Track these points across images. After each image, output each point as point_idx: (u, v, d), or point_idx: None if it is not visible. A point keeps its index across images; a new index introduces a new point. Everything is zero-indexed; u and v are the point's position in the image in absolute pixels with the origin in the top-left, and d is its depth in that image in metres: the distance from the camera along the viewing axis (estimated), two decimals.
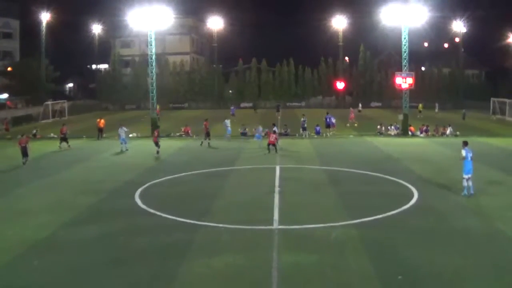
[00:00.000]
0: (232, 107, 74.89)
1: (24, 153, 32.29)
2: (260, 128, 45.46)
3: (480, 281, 13.50)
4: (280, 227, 18.47)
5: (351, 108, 67.72)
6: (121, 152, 37.86)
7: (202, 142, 41.55)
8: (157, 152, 35.54)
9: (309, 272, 14.35)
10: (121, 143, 38.90)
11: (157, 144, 36.14)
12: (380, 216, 19.53)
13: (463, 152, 22.47)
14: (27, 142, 32.85)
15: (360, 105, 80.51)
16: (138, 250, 16.17)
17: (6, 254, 15.84)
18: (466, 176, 22.41)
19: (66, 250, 16.32)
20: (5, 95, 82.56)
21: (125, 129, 39.57)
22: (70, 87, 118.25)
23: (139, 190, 24.51)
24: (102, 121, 49.06)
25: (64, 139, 40.75)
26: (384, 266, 14.55)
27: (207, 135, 41.37)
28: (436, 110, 75.71)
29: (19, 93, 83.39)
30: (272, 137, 35.95)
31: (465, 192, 22.40)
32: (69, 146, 40.24)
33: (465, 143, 22.90)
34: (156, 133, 37.76)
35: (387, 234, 17.56)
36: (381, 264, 14.74)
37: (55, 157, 37.01)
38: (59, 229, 18.47)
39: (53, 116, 70.45)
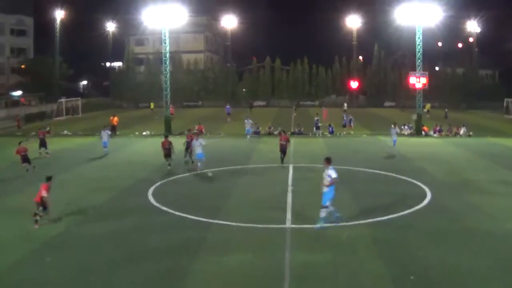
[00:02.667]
0: (227, 106, 73.15)
1: (25, 159, 29.24)
2: (250, 121, 45.80)
3: (493, 283, 13.41)
4: (292, 226, 18.49)
5: (323, 108, 66.68)
6: (104, 156, 35.60)
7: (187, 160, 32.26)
8: (169, 164, 30.12)
9: (321, 271, 14.36)
10: (104, 147, 36.38)
11: (169, 155, 30.48)
12: (393, 216, 19.49)
13: (333, 173, 17.68)
14: (25, 150, 29.56)
15: (345, 104, 79.66)
16: (151, 247, 16.24)
17: (19, 250, 16.00)
18: (328, 203, 17.72)
19: (78, 247, 16.45)
20: (19, 92, 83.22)
21: (108, 132, 37.90)
22: (83, 85, 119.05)
23: (152, 187, 24.65)
24: (116, 118, 49.37)
25: (43, 144, 35.68)
26: (396, 266, 14.52)
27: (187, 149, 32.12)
28: (446, 115, 72.68)
29: (32, 90, 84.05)
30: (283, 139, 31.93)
31: (322, 224, 17.87)
32: (47, 153, 35.64)
33: (329, 161, 18.15)
34: (166, 144, 30.77)
35: (400, 234, 17.51)
36: (393, 264, 14.72)
37: (68, 154, 37.26)
38: (72, 226, 18.64)
39: (67, 114, 70.86)
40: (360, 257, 15.39)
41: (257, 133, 49.32)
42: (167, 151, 29.94)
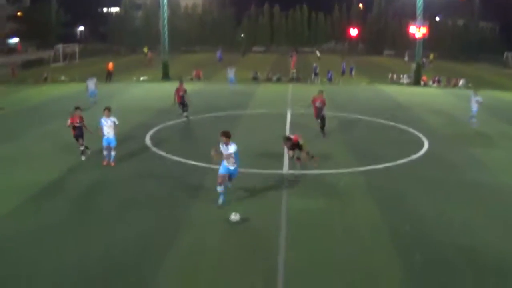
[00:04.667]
0: (218, 51, 71.98)
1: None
2: (232, 70, 45.62)
3: (488, 233, 13.46)
4: (289, 172, 18.61)
5: (293, 53, 62.42)
6: (93, 105, 32.82)
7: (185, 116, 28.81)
8: (185, 116, 28.18)
9: (317, 218, 14.48)
10: (90, 97, 34.64)
11: (183, 104, 28.22)
12: (390, 164, 19.58)
13: (233, 147, 14.79)
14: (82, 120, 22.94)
15: (317, 51, 78.09)
16: (148, 193, 16.31)
17: (17, 196, 15.98)
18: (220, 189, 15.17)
19: (75, 193, 16.47)
20: (15, 39, 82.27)
21: (94, 80, 36.02)
22: (80, 31, 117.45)
23: (150, 133, 24.69)
24: (111, 64, 48.95)
25: None
26: (391, 215, 14.64)
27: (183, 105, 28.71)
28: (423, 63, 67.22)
29: (29, 37, 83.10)
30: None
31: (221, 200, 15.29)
32: None
33: (225, 135, 14.83)
34: (181, 90, 28.43)
35: (396, 182, 17.62)
36: (389, 212, 14.84)
37: (64, 101, 36.93)
38: (68, 172, 18.61)
39: (64, 60, 70.15)
40: (355, 204, 15.52)
41: (255, 79, 49.28)
42: (182, 98, 28.20)
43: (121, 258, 11.89)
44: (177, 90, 28.31)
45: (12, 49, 76.22)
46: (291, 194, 16.37)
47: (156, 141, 23.06)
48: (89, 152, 20.06)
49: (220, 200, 15.06)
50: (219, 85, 45.62)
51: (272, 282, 10.81)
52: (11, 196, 15.97)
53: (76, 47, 75.58)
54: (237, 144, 14.80)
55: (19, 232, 13.37)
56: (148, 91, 41.23)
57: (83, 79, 43.26)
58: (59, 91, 41.51)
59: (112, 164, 19.16)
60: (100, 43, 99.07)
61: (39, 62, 66.81)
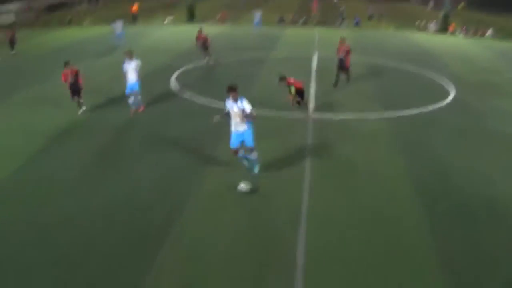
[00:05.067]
0: None
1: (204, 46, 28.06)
2: (258, 13, 45.02)
3: (509, 185, 13.41)
4: (315, 115, 18.69)
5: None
6: (119, 47, 32.79)
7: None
8: (207, 61, 28.12)
9: (340, 161, 14.62)
10: (116, 39, 34.87)
11: (204, 48, 28.11)
12: (415, 111, 19.51)
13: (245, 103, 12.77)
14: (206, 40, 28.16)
15: None
16: (173, 135, 16.53)
17: (44, 136, 16.36)
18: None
19: (101, 134, 16.75)
20: None
21: (121, 22, 36.15)
22: None
23: (175, 75, 24.78)
24: (136, 6, 48.51)
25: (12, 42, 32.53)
26: (415, 161, 14.70)
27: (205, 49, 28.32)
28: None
29: None
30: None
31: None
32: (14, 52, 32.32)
33: (232, 90, 12.78)
34: (200, 38, 28.43)
35: (421, 130, 17.58)
36: (413, 159, 14.88)
37: (88, 43, 37.01)
38: (92, 114, 18.91)
39: (88, 2, 69.70)
40: (379, 149, 15.61)
41: (281, 22, 48.86)
42: (203, 44, 27.98)
43: (146, 199, 12.20)
44: (197, 38, 28.35)
45: None
46: (316, 136, 16.50)
47: (181, 83, 23.14)
48: (84, 108, 19.08)
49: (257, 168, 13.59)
50: (245, 28, 45.22)
51: (294, 225, 11.07)
52: (38, 137, 16.35)
53: None
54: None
55: (45, 173, 13.74)
56: (173, 33, 41.02)
57: (107, 22, 43.32)
58: (83, 34, 41.42)
59: (141, 109, 19.11)
60: None
61: (63, 5, 66.46)
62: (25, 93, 21.98)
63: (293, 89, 18.56)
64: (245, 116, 12.62)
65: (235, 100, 12.63)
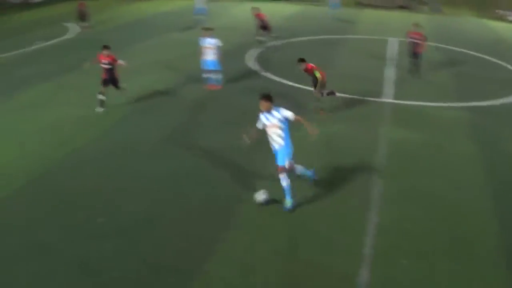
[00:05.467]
0: None
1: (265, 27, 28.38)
2: None
3: None
4: (391, 101, 18.78)
5: None
6: (199, 23, 31.62)
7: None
8: (263, 40, 28.24)
9: (415, 149, 14.72)
10: (196, 14, 33.62)
11: (264, 28, 28.25)
12: (493, 102, 19.27)
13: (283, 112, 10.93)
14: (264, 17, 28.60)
15: None
16: (247, 110, 16.27)
17: (118, 110, 17.09)
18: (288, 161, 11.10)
19: (172, 110, 17.33)
20: None
21: None
22: None
23: (251, 52, 25.25)
24: None
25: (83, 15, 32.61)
26: (490, 153, 14.61)
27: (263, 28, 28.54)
28: None
29: None
30: None
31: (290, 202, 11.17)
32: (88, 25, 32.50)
33: (267, 98, 10.89)
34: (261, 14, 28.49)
35: (498, 121, 17.39)
36: (487, 150, 14.78)
37: (169, 16, 37.82)
38: (171, 87, 19.53)
39: None
40: (455, 140, 15.55)
41: (360, 4, 48.09)
42: (262, 23, 28.04)
43: (211, 169, 12.82)
44: (257, 16, 28.24)
45: None
46: (392, 122, 16.65)
47: (257, 62, 23.53)
48: (104, 106, 16.94)
49: (289, 203, 11.09)
50: (322, 9, 44.59)
51: (365, 204, 11.43)
52: (115, 108, 17.11)
53: None
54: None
55: (120, 142, 14.59)
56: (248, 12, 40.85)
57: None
58: (165, 7, 42.34)
59: (217, 87, 19.21)
60: None
61: None
62: None
63: (318, 74, 16.62)
64: (296, 121, 10.86)
65: (269, 112, 10.81)
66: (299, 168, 11.51)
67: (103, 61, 16.58)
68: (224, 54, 20.09)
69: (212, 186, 12.07)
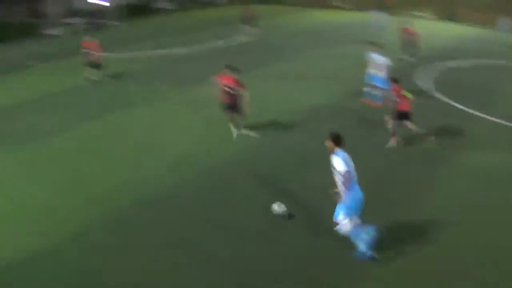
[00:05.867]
0: None
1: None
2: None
3: None
4: None
5: None
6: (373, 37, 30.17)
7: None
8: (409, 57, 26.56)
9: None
10: (372, 27, 33.62)
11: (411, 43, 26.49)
12: None
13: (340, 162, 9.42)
14: None
15: None
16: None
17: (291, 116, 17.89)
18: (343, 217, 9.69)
19: (332, 118, 17.70)
20: None
21: (381, 13, 34.07)
22: None
23: (419, 69, 24.73)
24: None
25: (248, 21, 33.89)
26: None
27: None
28: None
29: None
30: None
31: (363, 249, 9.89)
32: (253, 31, 33.79)
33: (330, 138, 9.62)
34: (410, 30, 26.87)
35: None
36: None
37: (340, 28, 37.92)
38: (331, 98, 19.96)
39: None
40: None
41: None
42: (409, 39, 26.48)
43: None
44: (405, 32, 26.62)
45: None
46: None
47: (427, 81, 22.93)
48: (240, 131, 16.03)
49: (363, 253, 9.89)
50: (491, 32, 39.75)
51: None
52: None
53: None
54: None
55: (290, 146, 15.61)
56: (426, 28, 38.96)
57: (364, 8, 43.67)
58: (340, 17, 42.67)
59: (377, 104, 18.27)
60: None
61: None
62: (267, 69, 24.29)
63: (409, 96, 15.25)
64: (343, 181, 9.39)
65: (332, 153, 9.60)
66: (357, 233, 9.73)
67: (226, 83, 14.91)
68: (392, 70, 19.88)
69: None
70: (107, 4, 45.45)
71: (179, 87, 21.92)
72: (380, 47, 18.82)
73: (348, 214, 9.51)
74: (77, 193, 13.02)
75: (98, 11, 45.44)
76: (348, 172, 9.26)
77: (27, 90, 22.79)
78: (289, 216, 11.33)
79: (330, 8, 48.91)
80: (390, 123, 15.31)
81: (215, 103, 16.52)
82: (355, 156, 9.65)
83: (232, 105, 15.10)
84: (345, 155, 9.41)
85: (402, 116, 14.95)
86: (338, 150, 9.43)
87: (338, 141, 9.47)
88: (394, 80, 15.27)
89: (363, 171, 10.25)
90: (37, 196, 12.88)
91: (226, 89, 14.89)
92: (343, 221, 9.56)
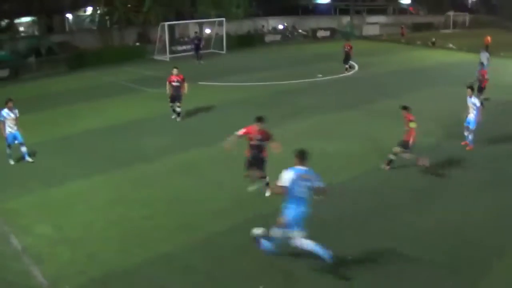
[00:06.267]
0: None
1: None
2: None
3: None
4: None
5: None
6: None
7: None
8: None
9: None
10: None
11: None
12: None
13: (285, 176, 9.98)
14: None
15: None
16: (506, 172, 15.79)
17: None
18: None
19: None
20: (407, 1, 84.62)
21: (487, 54, 31.82)
22: (472, 1, 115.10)
23: None
24: (488, 37, 45.68)
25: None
26: None
27: None
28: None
29: (422, 0, 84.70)
30: None
31: None
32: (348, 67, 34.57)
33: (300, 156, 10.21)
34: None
35: None
36: None
37: (451, 68, 37.03)
38: (430, 139, 19.05)
39: (454, 27, 70.25)
40: None
41: None
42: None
43: (473, 232, 12.19)
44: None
45: (403, 10, 79.58)
46: None
47: None
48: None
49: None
50: None
51: None
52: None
53: (466, 16, 74.80)
54: None
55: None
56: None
57: (471, 50, 42.91)
58: (446, 58, 42.12)
59: (469, 147, 18.04)
60: (491, 15, 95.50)
61: (428, 26, 68.32)
62: (372, 105, 24.21)
63: (413, 125, 15.51)
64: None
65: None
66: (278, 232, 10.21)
67: (254, 136, 13.61)
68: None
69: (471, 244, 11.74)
70: (217, 33, 47.11)
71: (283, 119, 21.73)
72: (470, 90, 18.07)
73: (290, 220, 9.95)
74: (170, 215, 13.18)
75: (207, 39, 47.25)
76: (283, 187, 9.80)
77: (130, 112, 23.71)
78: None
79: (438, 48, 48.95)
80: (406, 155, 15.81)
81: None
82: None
83: (256, 159, 13.85)
84: (302, 173, 9.84)
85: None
86: (298, 166, 9.94)
87: (301, 157, 10.03)
88: (404, 107, 15.76)
89: None
90: (131, 216, 13.15)
91: (253, 143, 13.66)
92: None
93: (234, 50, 45.69)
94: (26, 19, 51.59)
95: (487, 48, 43.42)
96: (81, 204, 13.68)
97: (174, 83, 21.94)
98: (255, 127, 13.45)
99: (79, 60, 39.48)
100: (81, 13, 54.06)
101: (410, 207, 13.55)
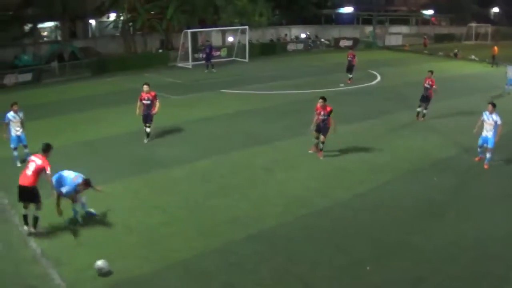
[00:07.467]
0: None
1: None
2: None
3: None
4: None
5: None
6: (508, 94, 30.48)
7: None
8: None
9: None
10: (508, 84, 30.86)
11: None
12: None
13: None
14: None
15: None
16: None
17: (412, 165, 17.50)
18: None
19: (449, 172, 16.94)
20: (430, 11, 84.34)
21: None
22: (495, 12, 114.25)
23: None
24: (496, 48, 45.44)
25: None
26: None
27: None
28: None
29: (444, 11, 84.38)
30: None
31: None
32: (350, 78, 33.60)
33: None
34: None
35: None
36: None
37: (476, 80, 36.70)
38: (453, 150, 19.04)
39: (476, 39, 69.75)
40: None
41: None
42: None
43: (492, 245, 12.04)
44: None
45: (426, 21, 79.47)
46: None
47: None
48: None
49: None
50: None
51: None
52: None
53: (488, 28, 74.27)
54: None
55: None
56: None
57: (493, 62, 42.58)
58: (468, 69, 41.77)
59: (485, 166, 17.33)
60: None
61: (451, 37, 68.04)
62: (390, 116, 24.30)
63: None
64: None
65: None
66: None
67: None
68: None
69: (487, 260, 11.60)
70: (239, 41, 47.25)
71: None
72: (491, 106, 17.15)
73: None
74: (188, 222, 13.18)
75: (229, 47, 47.46)
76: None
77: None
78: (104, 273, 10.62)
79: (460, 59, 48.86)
80: None
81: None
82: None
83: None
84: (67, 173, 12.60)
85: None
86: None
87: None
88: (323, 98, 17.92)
89: None
90: (149, 222, 13.17)
91: None
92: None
93: (256, 58, 45.77)
94: (49, 24, 52.28)
95: (493, 58, 43.35)
96: (99, 210, 13.69)
97: (145, 101, 19.87)
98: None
99: (101, 65, 39.79)
100: (104, 19, 54.52)
101: (429, 218, 13.43)
